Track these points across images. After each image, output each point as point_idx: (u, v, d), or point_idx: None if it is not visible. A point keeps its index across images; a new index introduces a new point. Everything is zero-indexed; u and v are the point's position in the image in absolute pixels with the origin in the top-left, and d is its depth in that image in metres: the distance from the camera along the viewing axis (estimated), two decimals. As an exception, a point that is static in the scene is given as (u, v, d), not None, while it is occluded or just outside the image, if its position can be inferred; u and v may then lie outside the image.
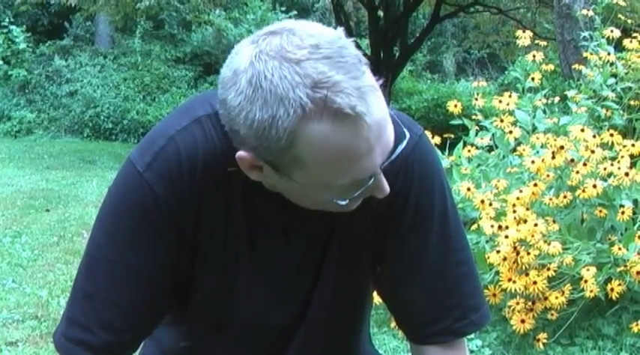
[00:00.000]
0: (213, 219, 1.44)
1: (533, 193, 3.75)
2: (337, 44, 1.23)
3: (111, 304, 1.43)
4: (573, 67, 5.64)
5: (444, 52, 23.30)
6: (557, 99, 5.02)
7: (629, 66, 4.77)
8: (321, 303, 1.53)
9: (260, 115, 1.21)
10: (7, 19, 18.98)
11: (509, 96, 4.48)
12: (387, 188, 1.34)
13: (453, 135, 4.95)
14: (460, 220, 1.56)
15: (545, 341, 3.70)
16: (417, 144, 1.47)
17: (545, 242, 3.56)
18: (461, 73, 22.78)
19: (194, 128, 1.41)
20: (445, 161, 4.67)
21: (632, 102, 4.75)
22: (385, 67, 15.17)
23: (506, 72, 16.88)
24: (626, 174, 3.69)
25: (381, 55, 15.62)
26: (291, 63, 1.21)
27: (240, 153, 1.29)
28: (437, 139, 4.52)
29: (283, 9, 20.75)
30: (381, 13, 15.95)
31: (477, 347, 3.92)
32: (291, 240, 1.48)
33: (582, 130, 3.84)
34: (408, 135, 1.38)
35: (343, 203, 1.31)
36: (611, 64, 4.75)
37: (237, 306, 1.51)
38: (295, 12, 20.17)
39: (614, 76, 4.77)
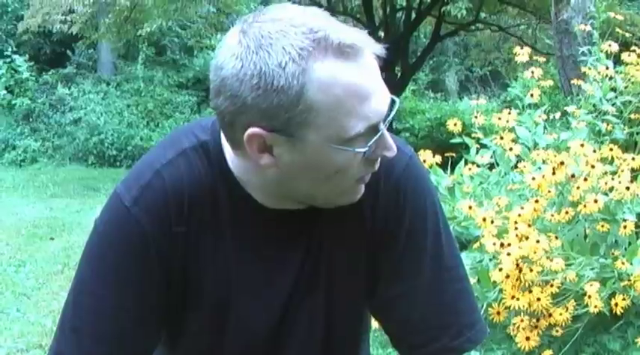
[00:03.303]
0: (202, 251, 1.43)
1: (534, 210, 3.73)
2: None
3: (97, 339, 1.43)
4: (573, 82, 5.64)
5: (446, 71, 23.34)
6: (557, 114, 5.01)
7: (629, 79, 4.76)
8: (315, 326, 1.52)
9: (267, 67, 1.24)
10: (9, 49, 19.05)
11: (509, 113, 4.47)
12: (394, 145, 1.36)
13: (455, 154, 4.94)
14: (453, 238, 1.56)
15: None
16: (407, 165, 1.48)
17: (547, 258, 3.55)
18: (464, 91, 22.79)
19: (180, 161, 1.42)
20: (447, 179, 4.65)
21: (632, 116, 4.74)
22: (387, 87, 15.16)
23: (508, 89, 16.88)
24: (627, 189, 3.67)
25: (383, 75, 15.62)
26: (283, 20, 1.27)
27: (250, 131, 1.29)
28: (438, 158, 4.51)
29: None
30: (381, 34, 15.98)
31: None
32: (282, 265, 1.47)
33: (582, 145, 3.83)
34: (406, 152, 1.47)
35: (361, 150, 1.31)
36: (610, 78, 4.75)
37: (230, 334, 1.50)
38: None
39: (614, 89, 4.77)
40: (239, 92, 1.26)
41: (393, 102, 1.35)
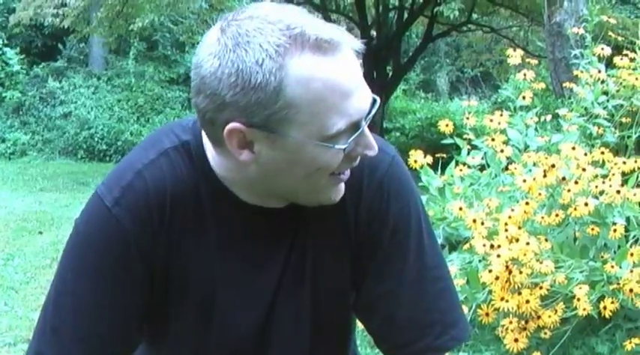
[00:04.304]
0: (185, 250, 1.43)
1: (525, 212, 3.74)
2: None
3: (77, 339, 1.42)
4: (564, 85, 5.65)
5: (438, 71, 23.38)
6: (548, 117, 5.02)
7: (620, 83, 4.77)
8: (301, 324, 1.52)
9: (244, 65, 1.25)
10: (0, 41, 18.99)
11: (501, 114, 4.48)
12: (375, 144, 1.36)
13: (445, 155, 4.95)
14: (435, 237, 1.56)
15: (539, 360, 3.68)
16: (390, 165, 1.49)
17: (537, 261, 3.55)
18: (454, 92, 22.84)
19: (161, 161, 1.42)
20: (437, 180, 4.66)
21: (623, 120, 4.75)
22: (378, 87, 15.19)
23: (499, 90, 16.93)
24: (618, 192, 3.68)
25: (375, 74, 15.64)
26: (260, 17, 1.28)
27: (231, 126, 1.29)
28: (429, 158, 4.51)
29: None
30: (373, 33, 15.99)
31: (470, 366, 3.91)
32: (267, 263, 1.47)
33: (573, 148, 3.84)
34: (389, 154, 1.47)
35: (342, 147, 1.31)
36: (602, 82, 4.76)
37: (215, 333, 1.50)
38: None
39: (606, 93, 4.78)
40: (218, 90, 1.27)
41: (374, 101, 1.35)
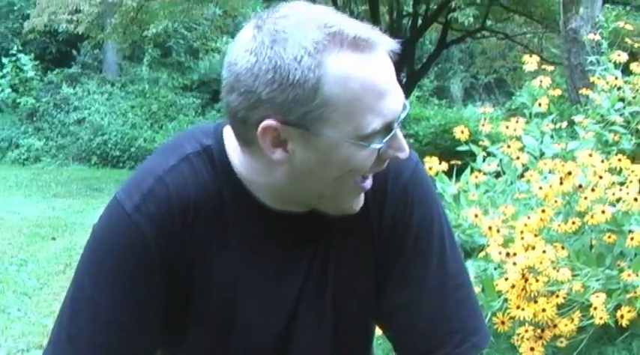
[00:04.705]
0: (207, 256, 1.41)
1: (541, 219, 3.70)
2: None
3: (94, 347, 1.40)
4: (580, 91, 5.62)
5: (451, 78, 23.35)
6: (564, 124, 4.99)
7: (637, 90, 4.73)
8: (322, 333, 1.51)
9: (282, 61, 1.24)
10: (15, 47, 19.08)
11: (517, 121, 4.45)
12: (407, 147, 1.36)
13: (460, 162, 4.92)
14: (456, 244, 1.56)
15: (555, 369, 3.65)
16: (414, 171, 1.48)
17: (553, 268, 3.52)
18: (468, 99, 22.80)
19: (183, 167, 1.40)
20: (452, 187, 4.63)
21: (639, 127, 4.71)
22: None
23: (513, 97, 16.89)
24: (635, 200, 3.64)
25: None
26: (298, 15, 1.28)
27: (265, 123, 1.28)
28: (444, 165, 4.48)
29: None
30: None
31: (485, 375, 3.87)
32: (289, 270, 1.45)
33: (590, 155, 3.80)
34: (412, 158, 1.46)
35: (377, 146, 1.31)
36: (619, 89, 4.72)
37: (235, 340, 1.48)
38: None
39: (622, 100, 4.74)
40: (253, 87, 1.26)
41: (404, 105, 1.34)
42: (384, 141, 1.31)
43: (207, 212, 1.39)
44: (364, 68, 1.26)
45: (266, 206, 1.41)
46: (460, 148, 4.77)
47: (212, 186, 1.39)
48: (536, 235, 3.66)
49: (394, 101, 1.30)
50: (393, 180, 1.46)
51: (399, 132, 1.33)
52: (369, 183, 1.38)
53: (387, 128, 1.31)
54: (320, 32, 1.24)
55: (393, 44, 1.31)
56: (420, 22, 16.11)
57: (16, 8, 20.00)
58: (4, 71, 18.97)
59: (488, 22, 16.61)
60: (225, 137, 1.41)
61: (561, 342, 3.68)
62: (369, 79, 1.27)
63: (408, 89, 16.54)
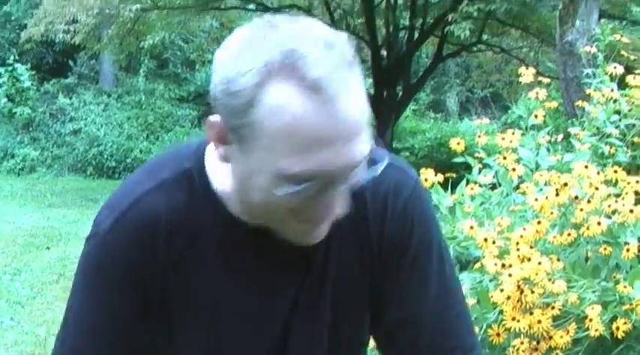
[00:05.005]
0: (185, 278, 1.41)
1: (537, 231, 3.69)
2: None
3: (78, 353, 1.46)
4: (576, 104, 5.62)
5: (447, 92, 23.39)
6: (560, 136, 4.98)
7: (633, 103, 4.73)
8: (318, 347, 1.49)
9: (232, 70, 1.22)
10: (12, 57, 19.09)
11: (512, 133, 4.45)
12: (341, 210, 1.30)
13: (455, 174, 4.92)
14: (451, 260, 1.56)
15: (549, 381, 3.63)
16: (413, 190, 1.47)
17: (549, 280, 3.51)
18: (464, 113, 22.83)
19: (158, 192, 1.40)
20: (448, 199, 4.62)
21: (635, 140, 4.71)
22: (388, 107, 15.20)
23: (509, 111, 16.94)
24: (631, 211, 3.64)
25: (384, 94, 15.63)
26: (272, 25, 1.24)
27: (211, 118, 1.28)
28: (440, 177, 4.48)
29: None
30: (384, 53, 16.00)
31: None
32: (278, 288, 1.44)
33: (586, 167, 3.80)
34: (411, 177, 1.48)
35: (286, 192, 1.23)
36: (615, 101, 4.72)
37: None
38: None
39: (618, 112, 4.74)
40: (214, 80, 1.26)
41: (374, 165, 1.31)
42: (306, 190, 1.24)
43: (183, 235, 1.39)
44: (305, 108, 1.18)
45: (249, 225, 1.39)
46: (456, 160, 4.77)
47: (189, 210, 1.39)
48: (531, 247, 3.66)
49: (338, 156, 1.22)
50: (393, 199, 1.45)
51: (337, 192, 1.27)
52: (312, 225, 1.32)
53: (322, 180, 1.24)
54: (279, 55, 1.19)
55: (359, 112, 1.23)
56: (416, 35, 16.14)
57: (13, 18, 20.01)
58: (1, 81, 18.97)
59: (485, 36, 16.64)
60: (206, 157, 1.41)
61: (557, 354, 3.67)
62: (310, 122, 1.19)
63: (403, 102, 16.55)
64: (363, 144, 1.24)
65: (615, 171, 3.93)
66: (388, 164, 1.35)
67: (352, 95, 1.21)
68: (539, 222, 3.74)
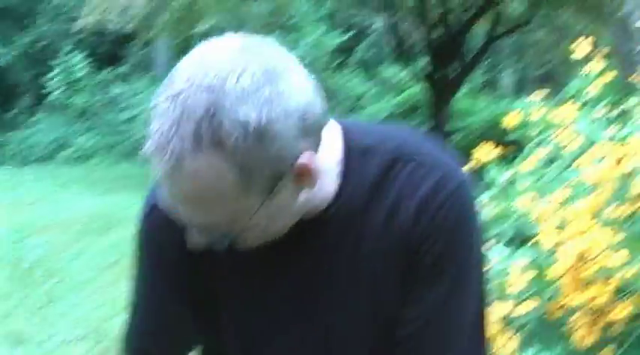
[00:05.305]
0: (207, 273, 1.42)
1: (595, 204, 3.64)
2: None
3: (139, 324, 1.54)
4: (632, 78, 5.52)
5: (502, 71, 23.16)
6: (616, 111, 4.91)
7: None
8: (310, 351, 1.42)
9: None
10: (66, 48, 19.26)
11: (570, 105, 4.38)
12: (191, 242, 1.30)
13: (510, 151, 4.87)
14: (484, 280, 1.40)
15: (609, 357, 3.58)
16: (456, 190, 1.32)
17: (609, 252, 3.45)
18: (519, 91, 22.60)
19: None
20: (504, 175, 4.58)
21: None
22: (442, 87, 15.11)
23: (565, 88, 16.76)
24: (691, 184, 3.57)
25: (438, 74, 15.54)
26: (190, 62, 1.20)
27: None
28: (495, 152, 4.44)
29: (338, 31, 20.77)
30: (436, 33, 15.89)
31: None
32: (278, 285, 1.40)
33: (644, 140, 3.72)
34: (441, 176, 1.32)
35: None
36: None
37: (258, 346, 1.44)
38: (351, 33, 20.17)
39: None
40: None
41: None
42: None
43: None
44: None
45: None
46: (511, 137, 4.71)
47: None
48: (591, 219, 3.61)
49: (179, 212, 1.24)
50: (427, 203, 1.31)
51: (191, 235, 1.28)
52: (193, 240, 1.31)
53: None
54: (162, 95, 1.17)
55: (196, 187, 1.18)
56: (470, 13, 16.00)
57: (65, 9, 20.20)
58: (56, 71, 19.17)
59: (539, 13, 16.44)
60: None
61: (615, 330, 3.62)
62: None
63: (458, 82, 16.42)
64: (217, 206, 1.21)
65: (674, 142, 3.85)
66: (433, 162, 1.31)
67: (185, 172, 1.16)
68: (597, 194, 3.69)
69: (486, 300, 1.41)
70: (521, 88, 22.83)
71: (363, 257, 1.34)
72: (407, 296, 1.35)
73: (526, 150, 4.66)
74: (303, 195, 1.25)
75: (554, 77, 21.08)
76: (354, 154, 1.32)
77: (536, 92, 6.35)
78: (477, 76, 22.01)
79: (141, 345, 1.53)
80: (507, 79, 22.99)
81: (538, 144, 4.62)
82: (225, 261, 1.38)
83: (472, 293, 1.37)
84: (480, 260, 1.38)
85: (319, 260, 1.36)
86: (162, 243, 1.42)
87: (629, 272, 3.47)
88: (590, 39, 5.07)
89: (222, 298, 1.42)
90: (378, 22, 20.81)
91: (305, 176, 1.21)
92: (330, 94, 16.13)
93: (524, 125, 4.84)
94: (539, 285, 3.73)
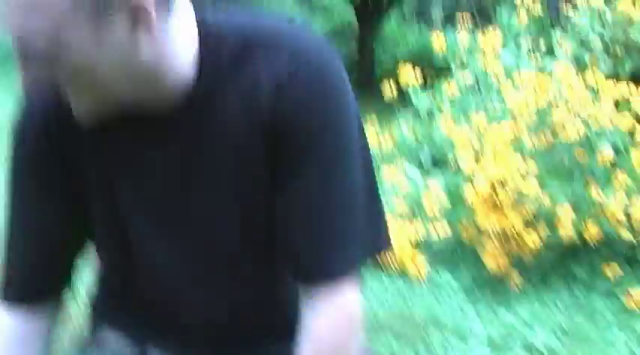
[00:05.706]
0: (77, 153, 1.36)
1: (513, 130, 3.69)
2: None
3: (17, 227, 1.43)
4: (562, 8, 5.57)
5: (432, 3, 23.17)
6: (542, 44, 4.96)
7: (617, 11, 4.71)
8: (208, 229, 1.38)
9: None
10: None
11: (494, 34, 4.42)
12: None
13: (436, 77, 4.91)
14: (363, 160, 1.35)
15: (518, 283, 3.66)
16: (319, 69, 1.27)
17: (522, 179, 3.51)
18: (448, 22, 22.65)
19: None
20: (426, 100, 4.62)
21: (617, 50, 4.69)
22: (371, 11, 15.07)
23: (493, 19, 16.82)
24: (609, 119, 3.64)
25: (368, 1, 15.46)
26: None
27: None
28: (419, 76, 4.47)
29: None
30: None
31: (450, 286, 3.88)
32: (154, 167, 1.35)
33: (566, 71, 3.77)
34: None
35: None
36: (599, 14, 4.69)
37: (133, 244, 1.40)
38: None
39: (602, 23, 4.71)
40: None
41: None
42: None
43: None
44: None
45: None
46: (438, 64, 4.75)
47: None
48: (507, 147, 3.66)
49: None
50: (289, 80, 1.26)
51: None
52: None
53: None
54: None
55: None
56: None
57: None
58: None
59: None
60: None
61: (527, 257, 3.69)
62: None
63: (387, 10, 16.37)
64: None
65: (594, 76, 3.91)
66: (300, 41, 1.26)
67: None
68: (515, 121, 3.73)
69: (371, 180, 1.38)
70: (451, 20, 22.90)
71: (224, 143, 1.30)
72: (277, 181, 1.31)
73: (450, 75, 4.70)
74: (146, 51, 1.18)
75: (483, 12, 21.18)
76: (210, 39, 1.27)
77: (465, 22, 6.35)
78: (409, 5, 22.00)
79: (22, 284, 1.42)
80: (437, 10, 23.00)
81: (462, 70, 4.67)
82: (96, 144, 1.33)
83: (349, 171, 1.32)
84: (353, 138, 1.33)
85: (183, 145, 1.31)
86: (33, 137, 1.35)
87: (542, 201, 3.54)
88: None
89: (95, 188, 1.37)
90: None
91: (140, 13, 1.14)
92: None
93: (451, 51, 4.87)
94: (457, 208, 3.79)
